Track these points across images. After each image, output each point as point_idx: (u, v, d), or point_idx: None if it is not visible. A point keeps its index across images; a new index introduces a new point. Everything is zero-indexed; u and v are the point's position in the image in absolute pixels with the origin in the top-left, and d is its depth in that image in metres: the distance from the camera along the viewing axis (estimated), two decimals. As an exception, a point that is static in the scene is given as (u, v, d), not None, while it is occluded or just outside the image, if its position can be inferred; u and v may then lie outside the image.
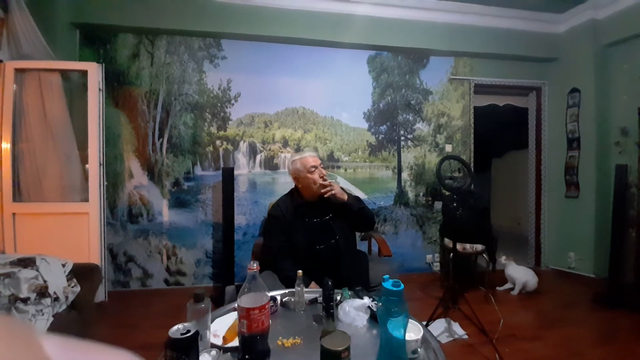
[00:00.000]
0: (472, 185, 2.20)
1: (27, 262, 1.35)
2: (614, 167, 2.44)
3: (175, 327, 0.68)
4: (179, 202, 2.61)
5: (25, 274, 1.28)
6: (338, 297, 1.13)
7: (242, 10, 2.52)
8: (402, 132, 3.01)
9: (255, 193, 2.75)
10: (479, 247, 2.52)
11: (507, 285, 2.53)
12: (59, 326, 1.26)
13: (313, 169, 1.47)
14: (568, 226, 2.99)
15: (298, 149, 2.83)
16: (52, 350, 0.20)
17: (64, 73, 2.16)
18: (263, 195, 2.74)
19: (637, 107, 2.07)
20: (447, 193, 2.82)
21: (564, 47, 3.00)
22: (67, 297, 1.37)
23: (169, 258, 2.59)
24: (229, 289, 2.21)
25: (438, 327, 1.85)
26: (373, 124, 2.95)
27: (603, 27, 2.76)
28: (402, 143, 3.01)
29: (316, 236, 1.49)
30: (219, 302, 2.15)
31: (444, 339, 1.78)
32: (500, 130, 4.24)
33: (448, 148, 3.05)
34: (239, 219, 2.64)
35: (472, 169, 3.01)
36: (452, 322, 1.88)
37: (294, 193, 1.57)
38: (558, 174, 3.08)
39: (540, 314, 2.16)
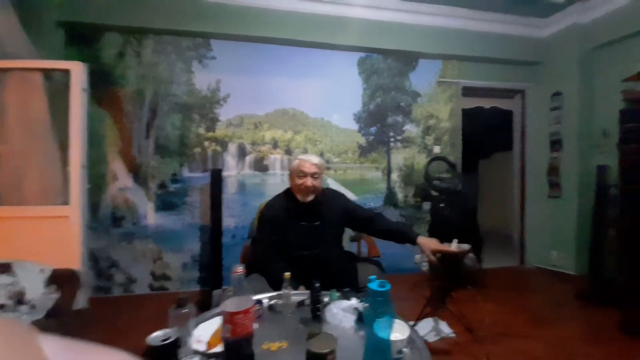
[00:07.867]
0: (460, 186, 2.25)
1: (3, 268, 1.30)
2: (596, 168, 2.51)
3: (154, 334, 0.66)
4: (165, 204, 2.56)
5: (2, 280, 1.23)
6: (326, 299, 1.12)
7: (231, 10, 2.50)
8: (391, 134, 3.03)
9: (245, 195, 2.72)
10: (466, 246, 2.54)
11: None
12: (36, 334, 1.21)
13: (301, 174, 1.44)
14: (551, 225, 3.06)
15: (288, 151, 2.82)
16: (50, 350, 0.20)
17: (47, 72, 2.09)
18: (252, 196, 2.71)
19: (619, 110, 2.13)
20: (436, 194, 2.85)
21: (548, 51, 3.09)
22: (45, 304, 1.32)
23: (154, 262, 2.53)
24: (216, 292, 2.16)
25: (426, 326, 1.87)
26: (363, 126, 2.97)
27: (587, 31, 2.83)
28: (392, 144, 3.03)
29: (302, 241, 1.46)
30: (206, 306, 2.11)
31: (432, 338, 1.80)
32: (487, 132, 4.32)
33: (436, 149, 3.09)
34: (228, 221, 2.60)
35: (461, 170, 3.07)
36: (440, 320, 1.90)
37: (288, 193, 1.54)
38: (541, 174, 3.16)
39: (526, 310, 2.20)
